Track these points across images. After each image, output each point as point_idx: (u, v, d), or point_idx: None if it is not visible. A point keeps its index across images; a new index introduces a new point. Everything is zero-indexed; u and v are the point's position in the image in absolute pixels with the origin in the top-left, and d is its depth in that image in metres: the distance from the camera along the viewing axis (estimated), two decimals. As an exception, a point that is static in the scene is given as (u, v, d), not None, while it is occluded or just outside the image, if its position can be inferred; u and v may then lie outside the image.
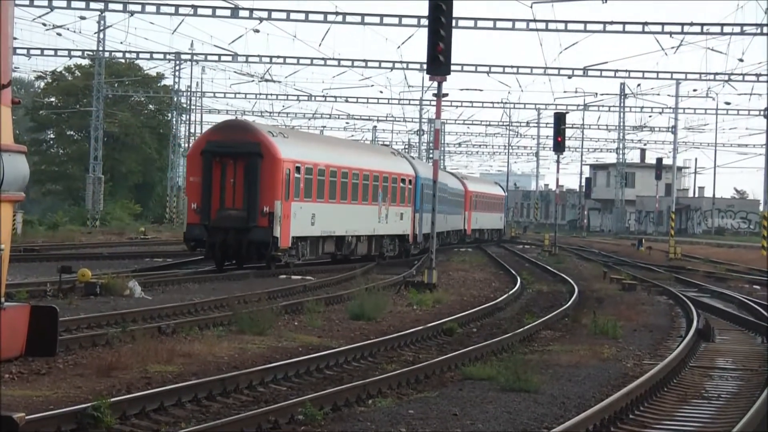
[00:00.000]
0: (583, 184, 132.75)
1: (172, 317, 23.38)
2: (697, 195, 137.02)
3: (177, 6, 55.34)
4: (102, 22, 78.00)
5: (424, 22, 45.25)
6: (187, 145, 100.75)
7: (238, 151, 37.11)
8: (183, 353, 17.98)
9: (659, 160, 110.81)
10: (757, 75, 72.05)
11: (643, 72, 75.29)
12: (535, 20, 55.09)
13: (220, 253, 37.23)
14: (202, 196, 37.06)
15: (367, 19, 55.09)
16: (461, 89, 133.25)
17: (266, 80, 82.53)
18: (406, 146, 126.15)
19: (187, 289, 30.72)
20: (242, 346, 19.68)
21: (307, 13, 54.94)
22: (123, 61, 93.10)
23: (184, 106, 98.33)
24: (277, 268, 37.89)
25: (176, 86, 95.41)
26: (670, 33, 56.30)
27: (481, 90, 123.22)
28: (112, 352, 17.53)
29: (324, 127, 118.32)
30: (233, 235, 36.82)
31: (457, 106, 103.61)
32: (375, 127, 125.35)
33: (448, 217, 66.58)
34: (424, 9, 35.06)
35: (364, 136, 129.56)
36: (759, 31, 55.25)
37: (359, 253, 45.78)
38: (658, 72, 75.76)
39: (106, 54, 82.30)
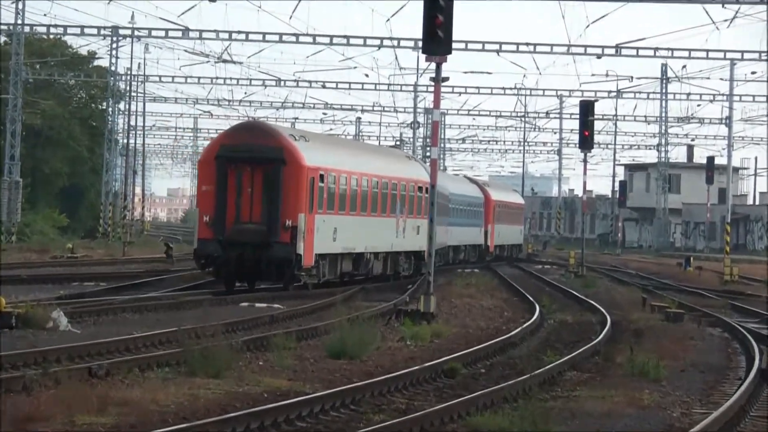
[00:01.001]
0: (617, 189, 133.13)
1: (105, 356, 23.32)
2: (757, 202, 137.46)
3: (113, -31, 55.36)
4: (21, -11, 78.05)
5: (420, -12, 45.31)
6: (125, 140, 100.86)
7: (257, 157, 39.20)
8: (119, 401, 17.94)
9: (710, 159, 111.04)
10: (832, 54, 72.30)
11: (690, 51, 75.56)
12: (556, -14, 55.16)
13: (234, 271, 39.28)
14: (216, 207, 39.10)
15: (349, -14, 55.19)
16: (465, 72, 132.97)
17: (224, 61, 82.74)
18: (398, 142, 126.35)
19: (126, 321, 30.70)
20: (193, 391, 19.64)
21: (274, -23, 55.02)
22: (47, 37, 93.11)
23: (123, 92, 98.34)
24: (295, 289, 39.84)
25: (113, 68, 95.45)
26: (723, 2, 56.45)
27: (490, 73, 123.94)
28: (31, 399, 17.50)
29: (296, 118, 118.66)
30: (250, 251, 38.73)
31: (460, 93, 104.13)
32: (359, 118, 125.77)
33: (464, 230, 68.01)
34: (418, -27, 34.98)
35: (345, 129, 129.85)
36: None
37: (375, 273, 47.53)
38: (707, 51, 75.86)
39: (26, 29, 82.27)
